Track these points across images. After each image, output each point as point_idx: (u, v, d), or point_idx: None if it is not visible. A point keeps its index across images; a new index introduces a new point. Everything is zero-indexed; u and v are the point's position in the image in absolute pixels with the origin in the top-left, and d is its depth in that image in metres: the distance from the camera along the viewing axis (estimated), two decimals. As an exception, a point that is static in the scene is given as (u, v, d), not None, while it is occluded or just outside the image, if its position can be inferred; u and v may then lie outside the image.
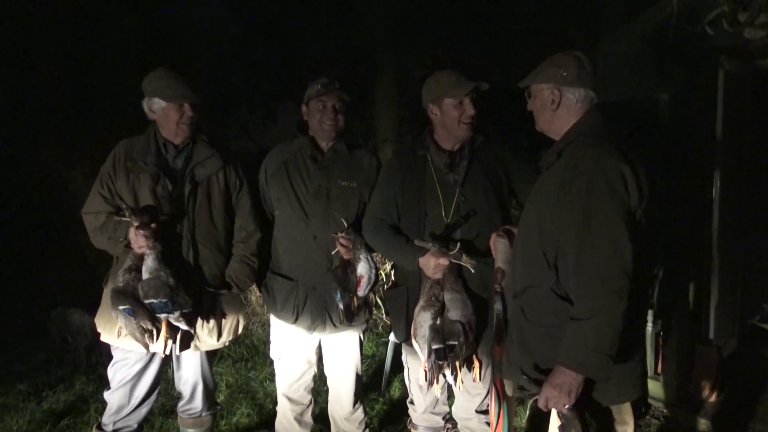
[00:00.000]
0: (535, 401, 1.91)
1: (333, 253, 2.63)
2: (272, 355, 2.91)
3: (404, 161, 2.64)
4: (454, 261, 2.38)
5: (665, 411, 3.55)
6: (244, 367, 4.23)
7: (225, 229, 2.71)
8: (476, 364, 2.49)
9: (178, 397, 2.94)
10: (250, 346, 4.53)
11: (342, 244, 2.58)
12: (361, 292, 2.59)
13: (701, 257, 3.51)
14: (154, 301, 2.41)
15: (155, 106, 2.58)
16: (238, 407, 3.64)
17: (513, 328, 2.12)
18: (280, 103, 8.87)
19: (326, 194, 2.67)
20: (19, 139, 5.68)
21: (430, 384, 2.39)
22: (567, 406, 1.81)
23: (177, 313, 2.47)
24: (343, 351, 2.83)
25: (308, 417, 2.94)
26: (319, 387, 3.27)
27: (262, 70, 9.16)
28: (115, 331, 2.56)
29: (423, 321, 2.41)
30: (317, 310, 2.69)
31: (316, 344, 2.84)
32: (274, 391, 3.71)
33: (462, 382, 2.43)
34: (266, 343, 4.46)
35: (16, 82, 5.78)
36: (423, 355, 2.42)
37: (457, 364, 2.37)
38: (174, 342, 2.59)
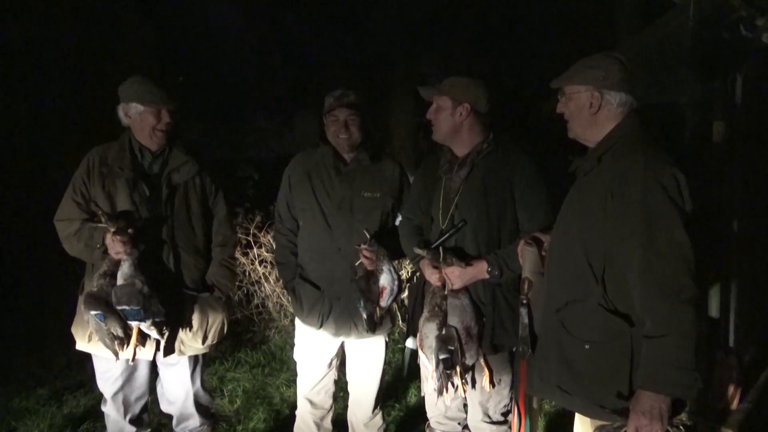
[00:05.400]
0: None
1: (357, 264, 2.64)
2: (296, 357, 2.93)
3: (429, 162, 2.66)
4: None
5: (685, 419, 3.50)
6: (261, 373, 4.25)
7: (203, 233, 2.71)
8: (486, 371, 2.46)
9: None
10: (267, 352, 4.54)
11: (365, 256, 2.59)
12: (383, 303, 2.60)
13: (721, 263, 3.47)
14: (126, 307, 2.40)
15: (132, 111, 2.56)
16: (254, 413, 3.65)
17: (549, 343, 1.97)
18: (296, 110, 8.94)
19: (349, 206, 2.68)
20: (24, 146, 5.74)
21: (440, 393, 2.39)
22: None
23: (149, 322, 2.45)
24: (367, 357, 2.85)
25: (328, 422, 2.95)
26: (335, 392, 3.28)
27: (278, 78, 9.24)
28: (86, 336, 2.56)
29: (428, 332, 2.42)
30: (341, 319, 2.72)
31: (339, 348, 2.85)
32: (291, 396, 3.72)
33: (465, 391, 2.44)
34: (283, 349, 4.48)
35: (24, 89, 5.84)
36: (430, 365, 2.42)
37: (456, 370, 2.37)
38: (157, 349, 2.58)
